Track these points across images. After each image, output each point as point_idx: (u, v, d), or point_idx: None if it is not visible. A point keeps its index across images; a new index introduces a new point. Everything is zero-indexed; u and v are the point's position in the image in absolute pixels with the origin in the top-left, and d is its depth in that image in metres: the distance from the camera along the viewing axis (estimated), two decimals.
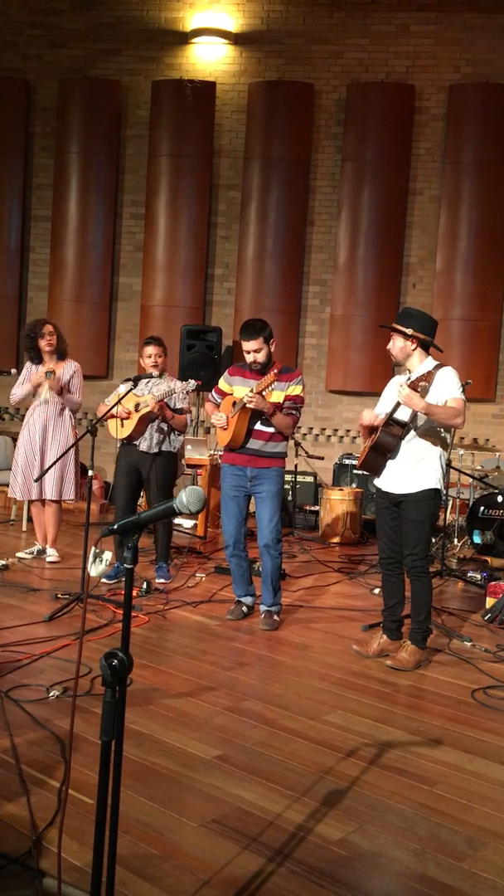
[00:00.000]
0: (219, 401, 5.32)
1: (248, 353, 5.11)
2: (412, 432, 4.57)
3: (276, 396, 5.08)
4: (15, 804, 2.93)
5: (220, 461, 8.05)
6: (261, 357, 5.10)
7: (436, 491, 4.60)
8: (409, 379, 4.57)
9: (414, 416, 4.50)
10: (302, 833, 2.89)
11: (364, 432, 4.82)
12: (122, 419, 5.93)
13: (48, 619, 4.99)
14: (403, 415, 4.54)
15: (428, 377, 4.44)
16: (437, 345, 4.73)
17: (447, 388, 4.51)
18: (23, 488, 6.40)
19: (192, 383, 5.83)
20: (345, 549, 7.71)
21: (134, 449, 5.99)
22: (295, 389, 5.13)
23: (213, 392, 5.38)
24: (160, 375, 6.05)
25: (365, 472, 5.04)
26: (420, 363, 4.61)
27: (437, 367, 4.59)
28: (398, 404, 4.51)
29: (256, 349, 5.07)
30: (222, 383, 5.33)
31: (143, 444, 5.96)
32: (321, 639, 5.10)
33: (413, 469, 4.58)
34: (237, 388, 5.21)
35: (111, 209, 9.66)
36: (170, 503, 2.16)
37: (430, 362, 4.63)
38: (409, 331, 4.55)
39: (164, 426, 5.97)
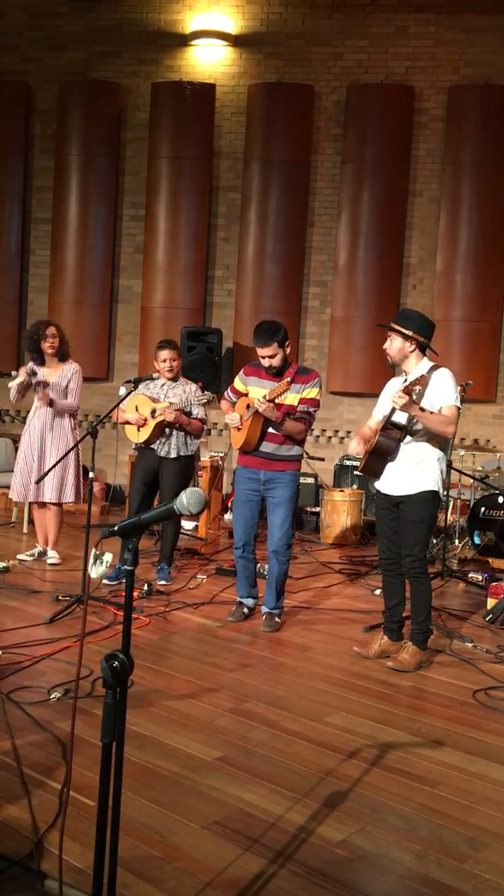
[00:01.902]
0: (234, 400, 5.31)
1: (264, 357, 5.06)
2: (411, 435, 4.57)
3: (291, 399, 5.03)
4: (16, 806, 2.93)
5: (220, 463, 8.09)
6: (276, 361, 5.05)
7: (434, 493, 4.59)
8: (405, 382, 4.58)
9: (411, 418, 4.50)
10: (303, 834, 2.89)
11: (363, 449, 4.78)
12: (138, 426, 5.96)
13: (49, 621, 4.99)
14: (401, 417, 4.54)
15: (422, 380, 4.43)
16: (433, 349, 4.73)
17: (442, 393, 4.51)
18: (22, 490, 6.41)
19: (209, 395, 5.85)
20: (346, 551, 7.71)
21: (151, 453, 6.01)
22: (310, 392, 5.08)
23: (229, 391, 5.37)
24: (175, 379, 6.06)
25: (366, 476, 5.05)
26: (416, 364, 4.61)
27: (433, 369, 4.59)
28: (395, 408, 4.51)
29: (271, 354, 5.03)
30: (238, 383, 5.31)
31: (161, 449, 5.98)
32: (322, 640, 5.10)
33: (412, 471, 4.58)
34: (253, 388, 5.18)
35: (111, 211, 9.67)
36: (170, 505, 2.16)
37: (425, 364, 4.63)
38: (408, 332, 4.55)
39: (180, 430, 5.98)
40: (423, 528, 4.61)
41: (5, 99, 9.62)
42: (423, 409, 4.41)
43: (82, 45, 9.63)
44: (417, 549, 4.59)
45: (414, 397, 4.38)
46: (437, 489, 4.60)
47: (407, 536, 4.61)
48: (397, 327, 4.58)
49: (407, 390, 4.34)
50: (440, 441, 4.61)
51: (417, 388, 4.40)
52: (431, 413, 4.43)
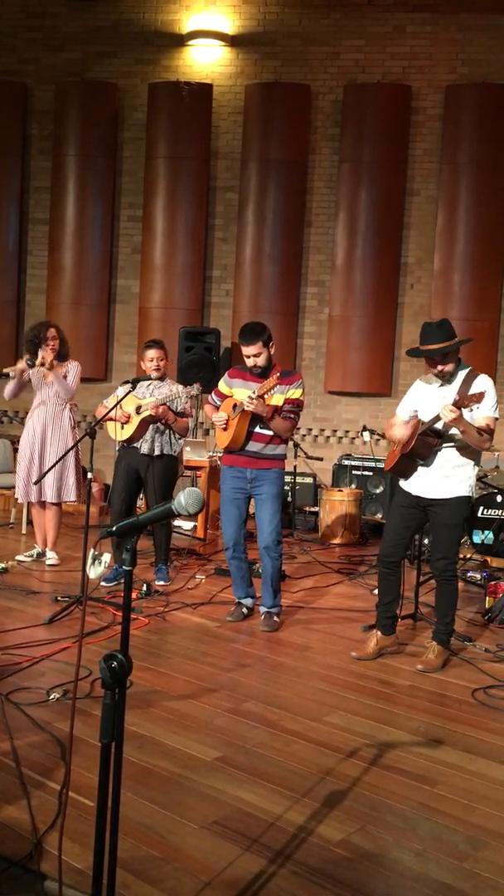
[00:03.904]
0: (218, 403, 5.34)
1: (248, 357, 5.12)
2: (446, 441, 4.59)
3: (276, 399, 5.09)
4: (15, 807, 2.93)
5: (219, 463, 8.09)
6: (261, 361, 5.11)
7: (468, 498, 4.66)
8: (440, 386, 4.57)
9: (449, 427, 4.49)
10: (303, 834, 2.89)
11: (398, 441, 4.76)
12: (121, 423, 5.93)
13: (48, 621, 4.99)
14: (441, 425, 4.52)
15: (480, 397, 4.29)
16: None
17: (484, 403, 4.44)
18: (23, 490, 6.41)
19: (196, 387, 5.84)
20: (344, 550, 7.71)
21: (134, 451, 5.99)
22: (295, 393, 5.14)
23: (213, 394, 5.40)
24: (161, 379, 6.06)
25: (393, 474, 4.98)
26: (455, 368, 4.61)
27: (472, 375, 4.57)
28: (438, 417, 4.43)
29: (256, 353, 5.09)
30: (222, 385, 5.34)
31: (144, 447, 5.96)
32: (321, 640, 5.10)
33: (447, 476, 4.60)
34: (237, 390, 5.22)
35: (109, 212, 9.66)
36: (168, 505, 2.16)
37: (462, 367, 4.63)
38: (454, 340, 4.50)
39: (165, 428, 5.97)
40: (458, 532, 4.70)
41: (2, 99, 9.61)
42: (470, 425, 4.40)
43: (79, 46, 9.62)
44: (451, 552, 4.66)
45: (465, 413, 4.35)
46: (470, 494, 4.66)
47: (442, 540, 4.67)
48: (450, 343, 4.48)
49: (460, 405, 4.29)
50: (474, 450, 4.61)
51: (475, 405, 4.31)
52: (473, 427, 4.40)
